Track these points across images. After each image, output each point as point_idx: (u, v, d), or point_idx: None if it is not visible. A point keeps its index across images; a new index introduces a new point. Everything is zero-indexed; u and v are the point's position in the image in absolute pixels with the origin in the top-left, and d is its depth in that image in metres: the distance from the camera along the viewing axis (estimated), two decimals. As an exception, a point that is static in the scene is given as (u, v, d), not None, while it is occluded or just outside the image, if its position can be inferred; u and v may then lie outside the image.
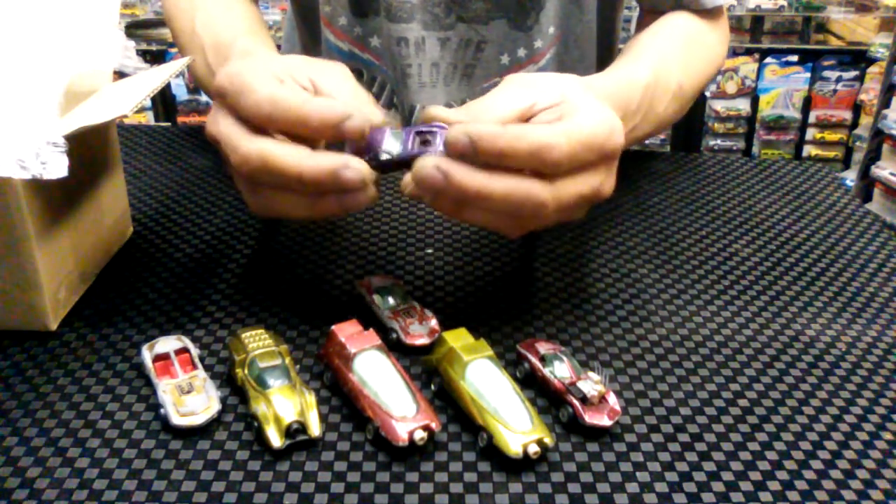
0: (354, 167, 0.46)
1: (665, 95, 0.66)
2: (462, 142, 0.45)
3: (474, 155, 0.45)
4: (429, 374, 0.49)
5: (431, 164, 0.46)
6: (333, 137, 0.47)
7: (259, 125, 0.49)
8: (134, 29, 2.97)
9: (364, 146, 0.48)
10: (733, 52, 3.01)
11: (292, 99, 0.47)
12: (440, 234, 0.66)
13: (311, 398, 0.45)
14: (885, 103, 2.72)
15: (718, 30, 0.80)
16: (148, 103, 3.03)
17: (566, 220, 0.51)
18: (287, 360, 0.47)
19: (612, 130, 0.48)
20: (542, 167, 0.46)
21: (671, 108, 0.68)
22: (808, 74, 3.10)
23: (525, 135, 0.46)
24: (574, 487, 0.41)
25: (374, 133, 0.48)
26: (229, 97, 0.50)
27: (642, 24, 0.81)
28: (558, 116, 0.48)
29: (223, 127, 0.50)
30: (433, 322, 0.52)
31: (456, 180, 0.45)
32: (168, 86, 2.53)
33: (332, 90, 0.51)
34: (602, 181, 0.49)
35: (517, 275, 0.61)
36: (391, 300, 0.54)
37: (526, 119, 0.49)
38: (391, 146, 0.48)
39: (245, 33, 0.69)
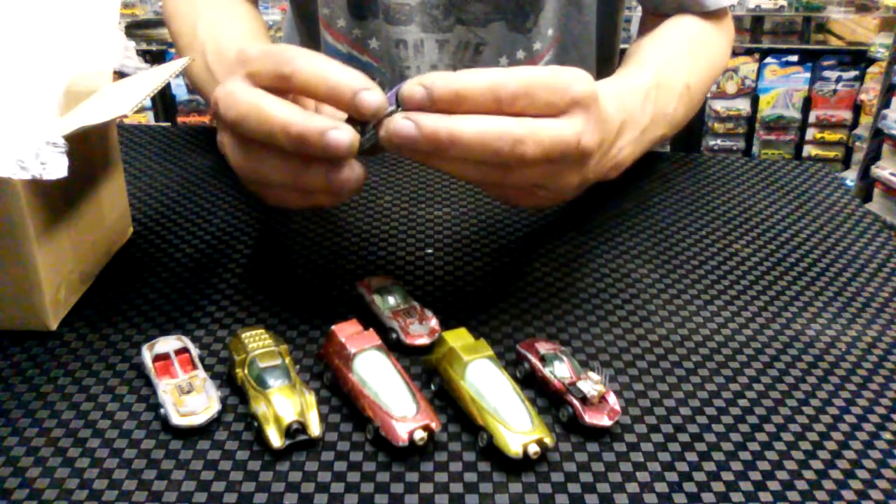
0: (344, 129, 0.45)
1: (671, 97, 0.66)
2: (418, 92, 0.45)
3: (431, 103, 0.45)
4: (429, 374, 0.49)
5: (401, 115, 0.45)
6: (347, 106, 0.46)
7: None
8: (134, 29, 2.98)
9: None
10: (733, 52, 3.01)
11: (333, 69, 0.46)
12: (440, 234, 0.66)
13: (311, 398, 0.45)
14: (885, 103, 2.72)
15: (722, 30, 0.80)
16: (148, 103, 3.03)
17: (560, 186, 0.50)
18: (287, 360, 0.47)
19: (575, 77, 0.48)
20: (500, 104, 0.45)
21: (681, 109, 0.68)
22: (808, 74, 3.11)
23: (478, 73, 0.46)
24: (574, 487, 0.41)
25: None
26: (258, 66, 0.48)
27: (645, 25, 0.81)
28: None
29: (229, 86, 0.49)
30: (433, 322, 0.52)
31: (426, 126, 0.45)
32: (168, 86, 2.53)
33: None
34: (581, 128, 0.48)
35: (518, 275, 0.61)
36: (391, 300, 0.54)
37: None
38: None
39: (246, 36, 0.69)
